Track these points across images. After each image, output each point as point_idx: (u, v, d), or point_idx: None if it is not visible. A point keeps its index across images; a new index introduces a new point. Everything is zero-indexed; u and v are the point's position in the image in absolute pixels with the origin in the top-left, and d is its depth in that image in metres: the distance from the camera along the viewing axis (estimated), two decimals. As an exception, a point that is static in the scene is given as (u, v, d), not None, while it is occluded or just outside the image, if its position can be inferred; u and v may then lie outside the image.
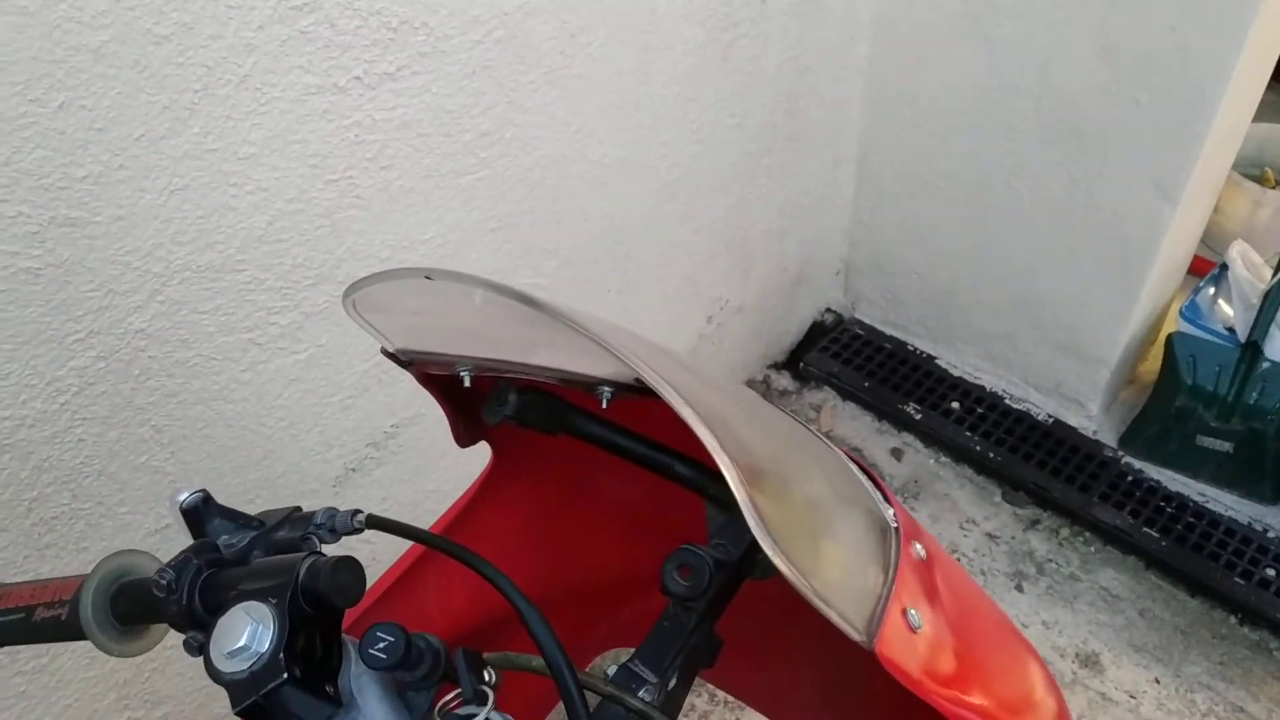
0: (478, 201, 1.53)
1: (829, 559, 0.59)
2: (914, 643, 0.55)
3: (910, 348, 2.62)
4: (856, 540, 0.65)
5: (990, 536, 2.21)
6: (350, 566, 0.61)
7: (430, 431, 1.66)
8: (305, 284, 1.34)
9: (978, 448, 2.34)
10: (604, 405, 0.73)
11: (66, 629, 0.69)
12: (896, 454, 2.40)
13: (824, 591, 0.51)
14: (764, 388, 2.56)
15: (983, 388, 2.50)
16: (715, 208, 2.09)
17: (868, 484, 0.73)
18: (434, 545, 0.66)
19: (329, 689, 0.59)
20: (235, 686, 0.56)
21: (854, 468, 0.74)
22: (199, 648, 0.61)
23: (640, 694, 0.65)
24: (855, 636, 0.52)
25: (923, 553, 0.67)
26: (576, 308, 0.61)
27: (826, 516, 0.66)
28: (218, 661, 0.57)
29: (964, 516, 2.25)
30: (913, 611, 0.57)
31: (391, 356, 0.75)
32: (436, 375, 0.77)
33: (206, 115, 1.13)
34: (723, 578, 0.68)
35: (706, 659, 0.70)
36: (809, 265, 2.56)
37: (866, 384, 2.52)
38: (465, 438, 0.84)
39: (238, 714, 0.56)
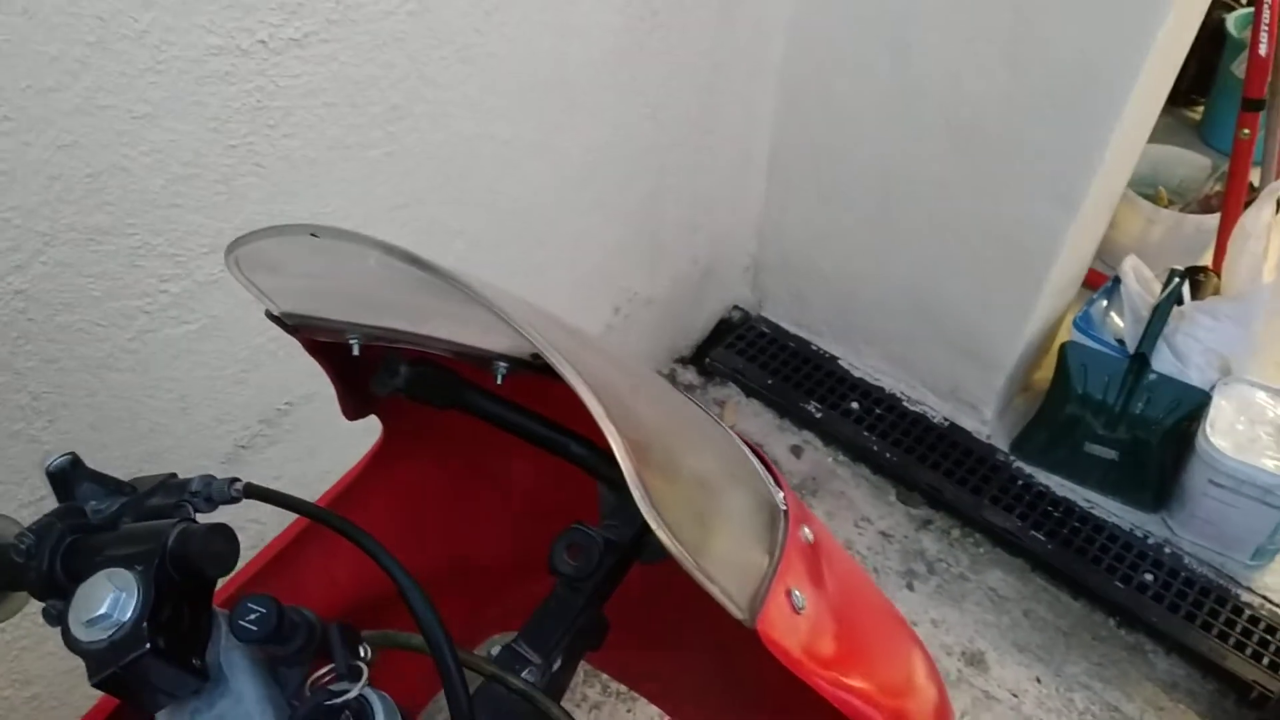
0: (384, 176, 1.50)
1: (715, 537, 0.59)
2: (796, 623, 0.56)
3: (814, 347, 2.65)
4: (744, 520, 0.65)
5: (884, 535, 2.25)
6: (224, 534, 0.58)
7: (325, 410, 1.61)
8: (199, 251, 1.30)
9: (875, 448, 2.38)
10: (499, 381, 0.71)
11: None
12: (796, 451, 2.43)
13: (708, 568, 0.51)
14: (669, 382, 2.57)
15: (882, 389, 2.54)
16: (627, 197, 2.08)
17: (759, 467, 0.73)
18: (315, 517, 0.64)
19: (195, 662, 0.57)
20: (93, 656, 0.54)
21: (747, 451, 0.74)
22: (58, 616, 0.58)
23: (524, 674, 0.64)
24: (738, 614, 0.52)
25: (810, 537, 0.67)
26: (472, 274, 0.60)
27: (715, 495, 0.66)
28: (76, 630, 0.54)
29: (859, 515, 2.28)
30: (797, 592, 0.57)
31: (277, 320, 0.73)
32: (325, 343, 0.74)
33: (99, 69, 1.09)
34: (612, 559, 0.68)
35: (593, 640, 0.69)
36: (718, 261, 2.57)
37: (770, 381, 2.55)
38: (353, 410, 0.82)
39: (95, 685, 0.54)
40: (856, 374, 2.58)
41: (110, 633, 0.54)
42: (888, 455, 2.37)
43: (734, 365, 2.58)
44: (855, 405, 2.49)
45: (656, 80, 1.96)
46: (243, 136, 1.27)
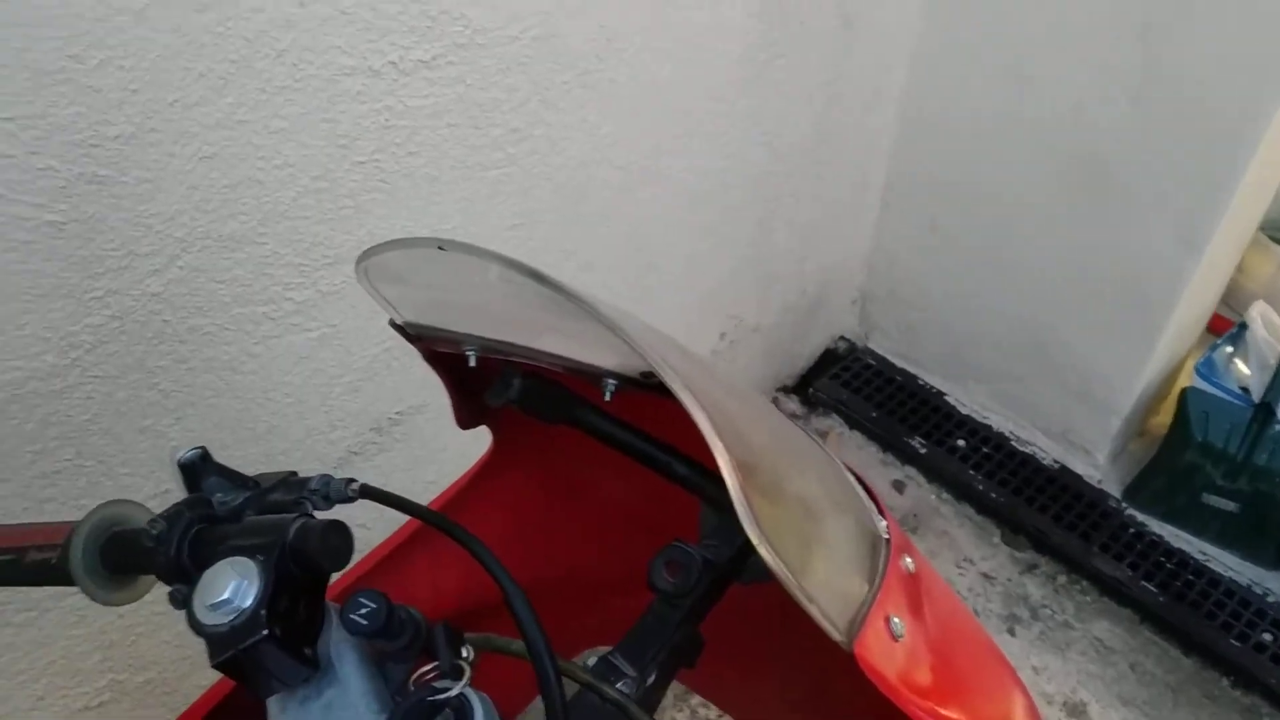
0: (502, 196, 1.54)
1: (817, 560, 0.59)
2: (894, 650, 0.55)
3: (921, 382, 2.61)
4: (845, 544, 0.65)
5: (986, 577, 2.20)
6: (340, 531, 0.61)
7: (435, 422, 1.66)
8: (324, 262, 1.35)
9: (980, 487, 2.34)
10: (607, 398, 0.73)
11: (55, 573, 0.69)
12: (899, 486, 2.40)
13: (809, 590, 0.51)
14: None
15: (990, 427, 2.49)
16: (739, 224, 2.09)
17: (863, 495, 0.73)
18: (426, 519, 0.67)
19: (307, 651, 0.60)
20: (215, 639, 0.57)
21: (851, 478, 0.74)
22: (183, 600, 0.61)
23: (618, 685, 0.65)
24: (836, 637, 0.52)
25: (912, 567, 0.66)
26: (588, 291, 0.62)
27: (818, 519, 0.66)
28: (199, 613, 0.57)
29: (961, 555, 2.24)
30: (896, 620, 0.57)
31: (400, 330, 0.76)
32: (443, 353, 0.77)
33: (241, 86, 1.14)
34: (710, 578, 0.68)
35: (688, 658, 0.70)
36: (827, 290, 2.56)
37: (874, 414, 2.52)
38: (466, 419, 0.85)
39: (215, 666, 0.57)
40: (964, 411, 2.53)
41: (231, 618, 0.57)
42: (993, 495, 2.32)
43: (838, 396, 2.57)
44: (961, 443, 2.45)
45: (773, 109, 1.97)
46: (370, 154, 1.32)
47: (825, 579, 0.55)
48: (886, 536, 0.67)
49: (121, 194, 1.10)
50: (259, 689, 0.59)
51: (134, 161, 1.09)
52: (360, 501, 0.72)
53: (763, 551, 0.50)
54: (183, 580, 0.64)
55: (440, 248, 0.60)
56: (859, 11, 2.01)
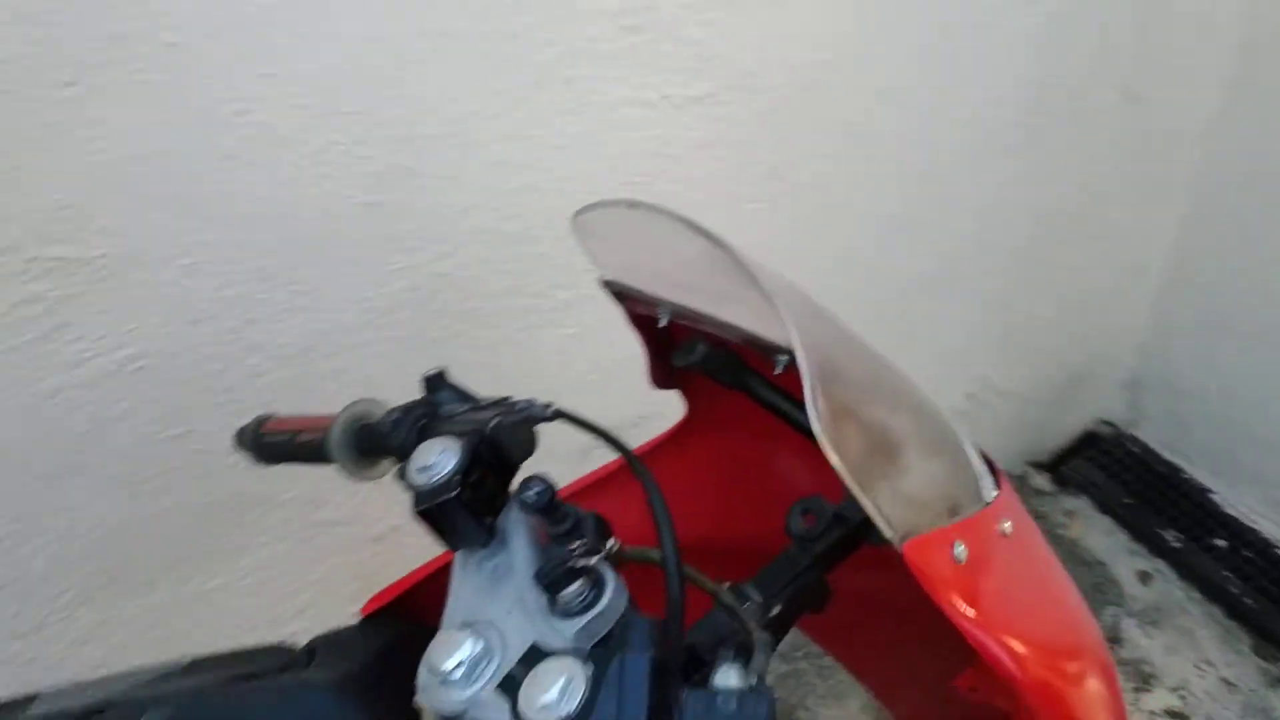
0: (758, 229, 1.66)
1: (887, 475, 0.65)
2: (949, 568, 0.61)
3: (1185, 475, 2.49)
4: (926, 481, 0.71)
5: (1227, 683, 2.06)
6: (525, 429, 0.75)
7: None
8: (588, 267, 1.52)
9: (1235, 590, 2.20)
10: (776, 371, 0.82)
11: (319, 451, 0.87)
12: (1144, 578, 2.29)
13: (875, 496, 0.58)
14: (1019, 482, 2.52)
15: (1256, 532, 2.33)
16: (992, 286, 2.11)
17: (976, 463, 0.78)
18: (610, 442, 0.79)
19: (488, 520, 0.73)
20: (419, 494, 0.71)
21: (969, 448, 0.80)
22: (402, 472, 0.76)
23: (744, 606, 0.75)
24: (886, 531, 0.59)
25: (1008, 530, 0.71)
26: (763, 263, 0.73)
27: (900, 451, 0.72)
28: (410, 474, 0.72)
29: (1203, 656, 2.11)
30: (961, 547, 0.63)
31: (607, 285, 0.89)
32: (641, 315, 0.90)
33: (532, 105, 1.34)
34: (840, 531, 0.76)
35: (816, 603, 0.78)
36: (1092, 369, 2.50)
37: (1127, 501, 2.42)
38: (660, 379, 0.97)
39: (416, 515, 0.71)
40: (1228, 510, 2.38)
41: (432, 479, 0.71)
42: (1248, 601, 2.17)
43: (1091, 479, 2.49)
44: (1221, 543, 2.31)
45: (1042, 176, 1.98)
46: (638, 176, 1.48)
47: (891, 494, 0.62)
48: (987, 500, 0.72)
49: (425, 186, 1.31)
50: (448, 542, 0.73)
51: (438, 159, 1.30)
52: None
53: (822, 442, 0.58)
54: (407, 459, 0.79)
55: (630, 206, 0.73)
56: (1146, 87, 1.99)
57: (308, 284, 1.29)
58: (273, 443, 0.91)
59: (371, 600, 0.87)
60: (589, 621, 0.64)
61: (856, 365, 0.74)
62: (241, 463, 1.18)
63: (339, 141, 1.21)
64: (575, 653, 0.63)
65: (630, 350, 1.64)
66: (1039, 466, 2.58)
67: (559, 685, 0.60)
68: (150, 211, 1.14)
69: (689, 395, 1.01)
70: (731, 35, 1.44)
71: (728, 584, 0.78)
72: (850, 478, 0.57)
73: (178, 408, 1.28)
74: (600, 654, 0.62)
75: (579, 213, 0.81)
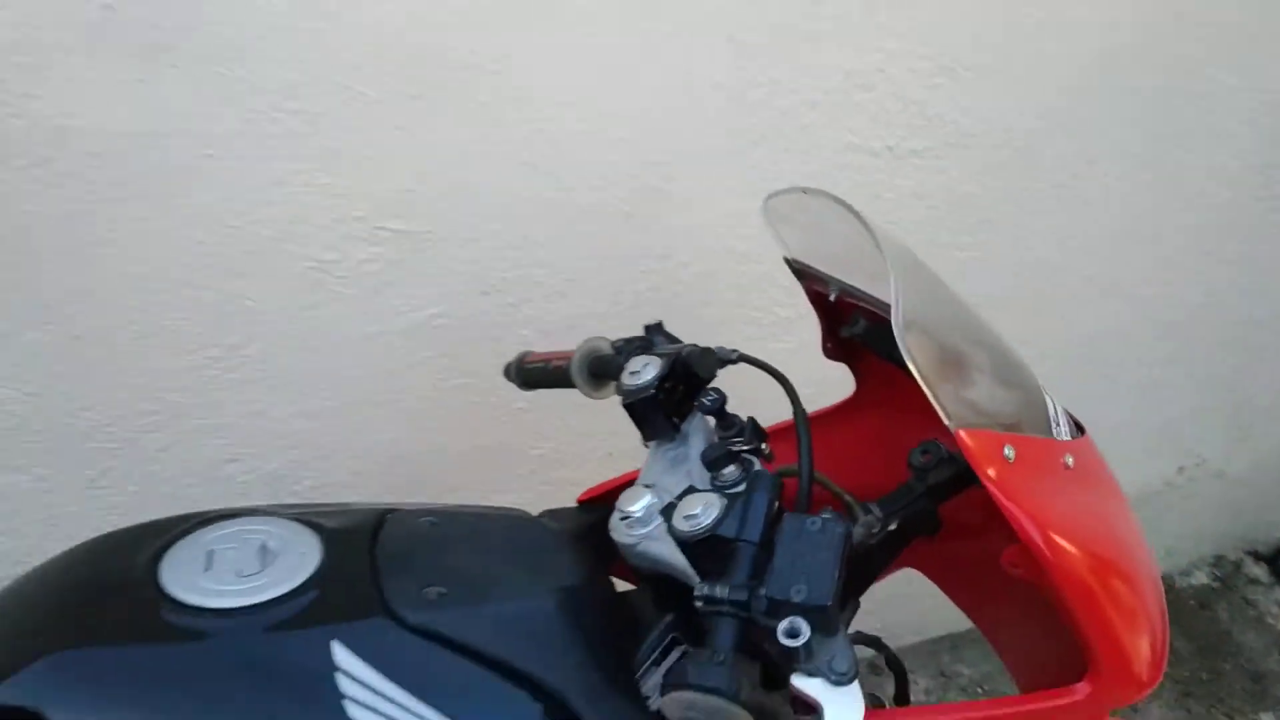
0: (967, 277, 1.83)
1: (961, 390, 0.84)
2: (998, 459, 0.78)
3: None
4: (998, 405, 0.89)
5: None
6: (712, 358, 0.99)
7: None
8: (805, 291, 1.76)
9: None
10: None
11: (564, 377, 1.14)
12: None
13: (940, 392, 0.77)
14: (1231, 568, 2.51)
15: None
16: (1211, 363, 2.17)
17: (1054, 410, 0.95)
18: (774, 374, 1.01)
19: (674, 420, 0.98)
20: (626, 392, 0.98)
21: (1049, 397, 0.97)
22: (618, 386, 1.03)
23: (865, 517, 0.95)
24: (944, 417, 0.77)
25: (1070, 463, 0.88)
26: (903, 241, 0.95)
27: (974, 371, 0.90)
28: (623, 379, 0.99)
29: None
30: (1010, 449, 0.80)
31: (789, 264, 1.12)
32: (817, 292, 1.12)
33: (770, 144, 1.60)
34: (951, 470, 0.96)
35: (927, 527, 0.97)
36: (1321, 462, 2.47)
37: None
38: (831, 351, 1.18)
39: (624, 406, 0.98)
40: None
41: (637, 381, 0.97)
42: None
43: (1313, 576, 2.45)
44: None
45: (1262, 257, 2.05)
46: (857, 215, 1.71)
47: (956, 396, 0.80)
48: (1055, 436, 0.89)
49: (671, 205, 1.60)
50: (643, 431, 0.99)
51: (681, 183, 1.58)
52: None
53: (900, 343, 0.79)
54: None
55: (803, 191, 0.97)
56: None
57: (575, 275, 1.60)
58: (531, 370, 1.20)
59: (586, 491, 1.13)
60: (738, 492, 0.88)
61: (955, 321, 0.94)
62: (504, 416, 1.50)
63: (614, 161, 1.52)
64: (716, 491, 0.86)
65: (833, 372, 1.86)
66: (1257, 556, 2.55)
67: (700, 506, 0.83)
68: (462, 203, 1.48)
69: (856, 370, 1.22)
70: (952, 99, 1.66)
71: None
72: (917, 371, 0.77)
73: (463, 363, 1.60)
74: (735, 494, 0.85)
75: (768, 198, 1.06)
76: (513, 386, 1.22)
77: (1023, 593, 0.95)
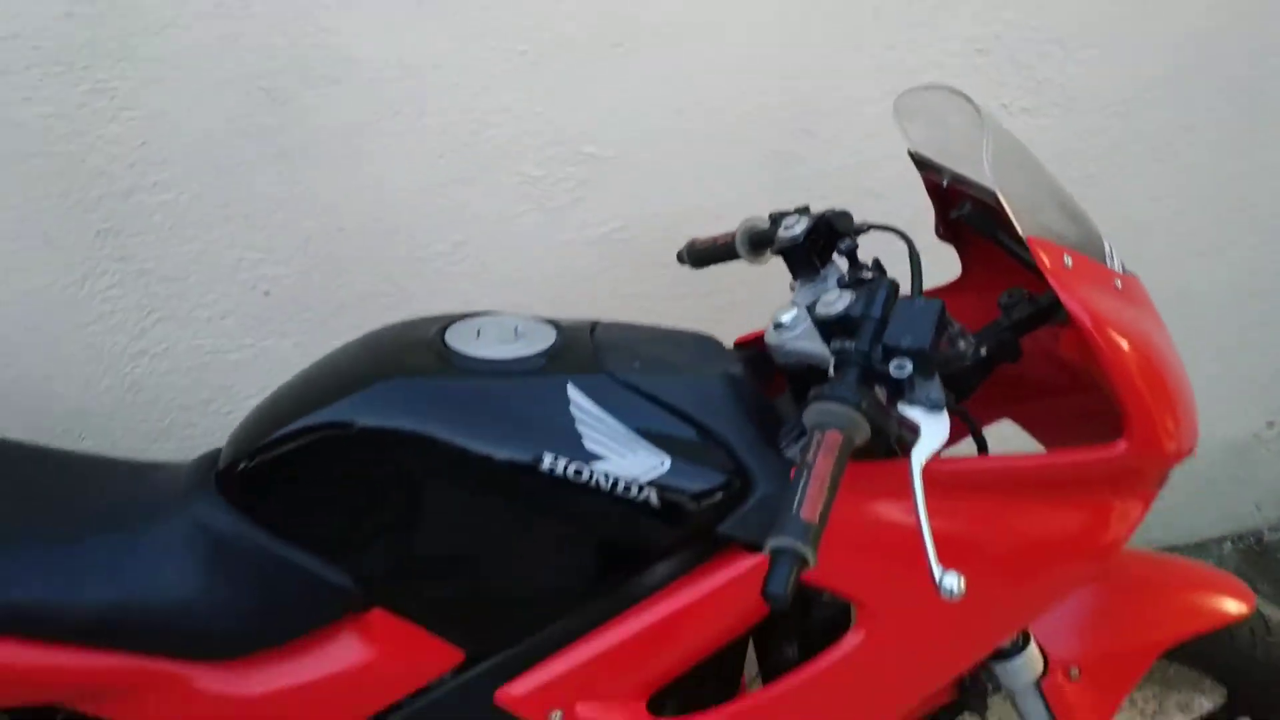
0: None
1: (1035, 216, 1.12)
2: (1059, 261, 1.05)
3: None
4: (1062, 231, 1.16)
5: None
6: (848, 217, 1.30)
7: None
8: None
9: None
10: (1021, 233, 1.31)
11: (729, 251, 1.46)
12: None
13: (1019, 213, 1.06)
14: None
15: None
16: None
17: (1109, 249, 1.21)
18: (894, 231, 1.31)
19: (815, 261, 1.29)
20: (781, 242, 1.29)
21: (1107, 242, 1.23)
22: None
23: (965, 340, 1.24)
24: (1017, 226, 1.05)
25: (1120, 285, 1.14)
26: (1016, 141, 1.25)
27: (1054, 215, 1.18)
28: (779, 234, 1.31)
29: None
30: (1069, 259, 1.07)
31: (911, 156, 1.41)
32: (933, 182, 1.40)
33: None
34: (1032, 308, 1.23)
35: (1011, 354, 1.25)
36: None
37: None
38: (942, 234, 1.46)
39: (779, 253, 1.29)
40: None
41: (790, 232, 1.28)
42: None
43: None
44: None
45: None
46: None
47: (1032, 218, 1.08)
48: (1108, 264, 1.16)
49: (816, 148, 1.91)
50: (793, 272, 1.30)
51: (825, 130, 1.90)
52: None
53: (986, 168, 1.07)
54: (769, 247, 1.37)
55: (926, 88, 1.27)
56: None
57: (732, 203, 1.92)
58: (700, 250, 1.52)
59: (740, 337, 1.44)
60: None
61: (1037, 178, 1.24)
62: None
63: (773, 111, 1.85)
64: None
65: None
66: None
67: (836, 295, 1.14)
68: (646, 136, 1.83)
69: (962, 253, 1.50)
70: (1060, 66, 1.94)
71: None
72: (1001, 194, 1.06)
73: (638, 273, 1.94)
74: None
75: (898, 97, 1.36)
76: (678, 297, 1.55)
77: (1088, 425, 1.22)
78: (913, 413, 1.05)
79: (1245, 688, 1.50)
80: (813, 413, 1.02)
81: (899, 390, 1.06)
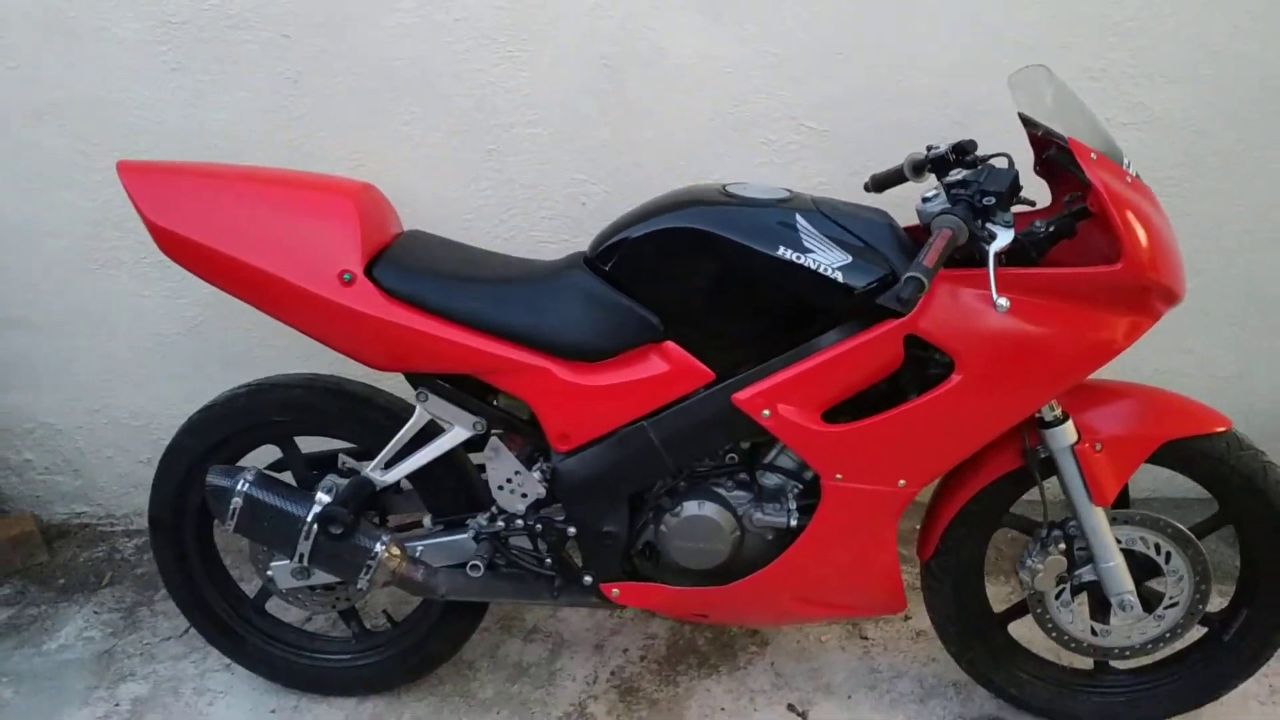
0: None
1: (1081, 134, 1.91)
2: (1089, 156, 1.81)
3: None
4: (1091, 141, 1.93)
5: None
6: (972, 143, 2.12)
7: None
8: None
9: None
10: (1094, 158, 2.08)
11: (900, 177, 2.29)
12: None
13: (1065, 131, 1.85)
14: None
15: None
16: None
17: (1126, 160, 1.96)
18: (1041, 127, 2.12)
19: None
20: (928, 160, 2.12)
21: (1126, 158, 1.98)
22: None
23: (1034, 223, 2.03)
24: (1061, 130, 1.84)
25: (1129, 179, 1.90)
26: (1078, 99, 2.05)
27: (1089, 137, 1.95)
28: (927, 155, 2.14)
29: None
30: (1094, 155, 1.84)
31: (1020, 116, 2.19)
32: (1032, 134, 2.18)
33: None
34: (1077, 208, 2.01)
35: (1069, 232, 2.02)
36: None
37: None
38: (1039, 171, 2.22)
39: (930, 170, 2.13)
40: None
41: (937, 152, 2.11)
42: None
43: None
44: None
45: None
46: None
47: (1077, 134, 1.86)
48: (1123, 166, 1.92)
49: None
50: (939, 177, 2.12)
51: (986, 121, 2.71)
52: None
53: (1061, 129, 1.87)
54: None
55: (1028, 67, 2.07)
56: None
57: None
58: (880, 178, 2.36)
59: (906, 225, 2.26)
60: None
61: (1090, 126, 2.02)
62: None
63: (942, 96, 2.69)
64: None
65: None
66: None
67: (962, 174, 1.96)
68: (852, 116, 2.69)
69: (1052, 185, 2.26)
70: (1151, 92, 2.70)
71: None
72: (1066, 135, 1.86)
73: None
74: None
75: (1010, 76, 2.16)
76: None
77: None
78: (992, 227, 1.87)
79: (1224, 494, 2.20)
80: (937, 221, 1.83)
81: (986, 214, 1.87)
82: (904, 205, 2.14)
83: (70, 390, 3.12)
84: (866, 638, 2.74)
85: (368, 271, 2.05)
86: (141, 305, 2.97)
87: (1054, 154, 2.11)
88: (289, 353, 2.89)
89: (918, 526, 2.36)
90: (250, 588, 2.60)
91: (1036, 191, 2.12)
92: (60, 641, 2.85)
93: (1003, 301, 1.76)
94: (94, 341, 3.04)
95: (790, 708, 2.51)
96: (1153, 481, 2.70)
